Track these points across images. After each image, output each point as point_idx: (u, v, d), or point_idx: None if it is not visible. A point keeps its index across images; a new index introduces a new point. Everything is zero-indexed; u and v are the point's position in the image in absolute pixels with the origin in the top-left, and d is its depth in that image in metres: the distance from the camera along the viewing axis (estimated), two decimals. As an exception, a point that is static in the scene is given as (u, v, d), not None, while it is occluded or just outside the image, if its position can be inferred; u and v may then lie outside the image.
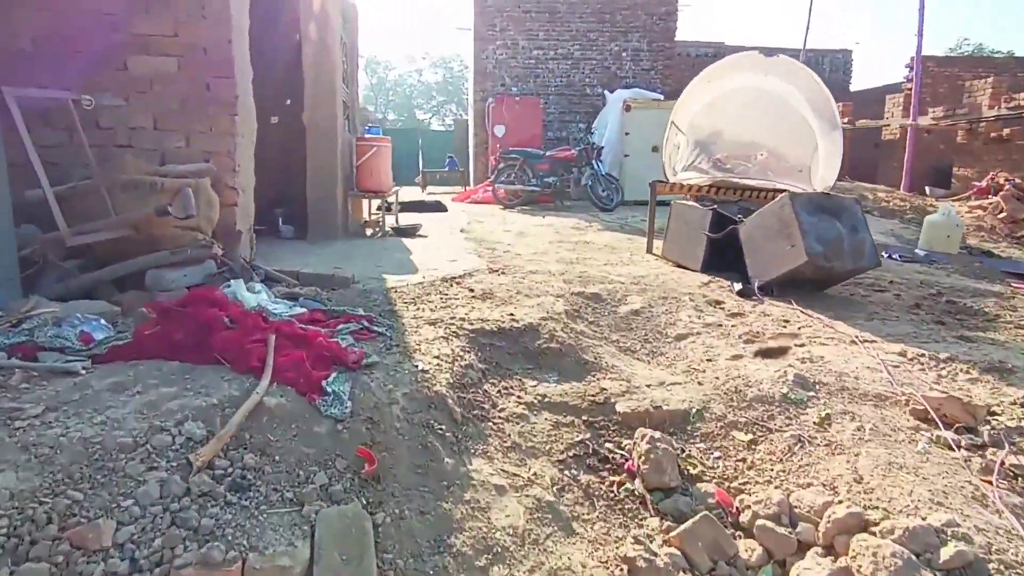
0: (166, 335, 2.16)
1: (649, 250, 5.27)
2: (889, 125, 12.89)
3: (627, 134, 10.71)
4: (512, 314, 2.98)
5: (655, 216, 5.29)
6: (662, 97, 11.61)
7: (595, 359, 2.75)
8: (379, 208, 6.24)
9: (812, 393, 2.36)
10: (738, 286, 3.88)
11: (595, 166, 9.65)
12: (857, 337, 2.94)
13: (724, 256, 4.39)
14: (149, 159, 3.24)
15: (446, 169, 17.47)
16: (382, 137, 5.92)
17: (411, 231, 6.08)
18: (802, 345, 2.86)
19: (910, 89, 12.47)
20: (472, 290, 3.48)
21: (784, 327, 3.19)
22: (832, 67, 20.41)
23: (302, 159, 5.73)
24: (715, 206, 4.37)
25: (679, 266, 4.65)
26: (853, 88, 20.04)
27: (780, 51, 18.50)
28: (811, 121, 5.50)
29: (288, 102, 6.50)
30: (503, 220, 7.92)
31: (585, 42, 13.40)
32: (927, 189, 11.42)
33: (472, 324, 2.83)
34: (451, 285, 3.63)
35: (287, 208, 6.20)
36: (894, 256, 5.77)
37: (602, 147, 10.32)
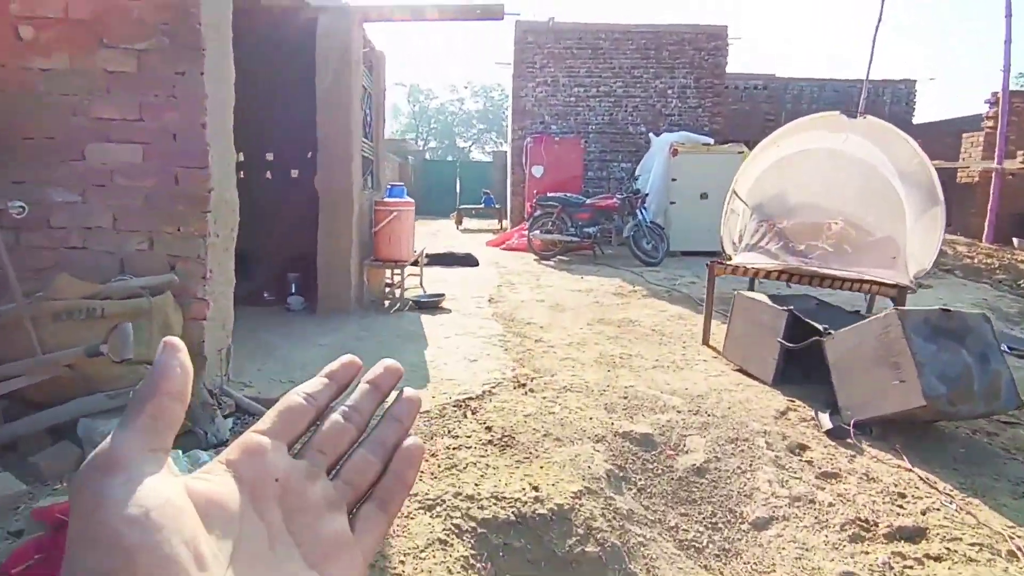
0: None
1: (705, 341, 4.49)
2: (968, 167, 11.76)
3: (674, 180, 9.99)
4: (536, 488, 2.27)
5: (712, 303, 4.52)
6: (711, 141, 10.86)
7: (648, 571, 2.01)
8: (399, 273, 5.66)
9: None
10: (826, 419, 3.08)
11: (639, 215, 8.94)
12: (1018, 545, 2.12)
13: (800, 364, 3.60)
14: (105, 265, 2.70)
15: (482, 205, 17.03)
16: (404, 200, 5.35)
17: (432, 304, 5.46)
18: (939, 559, 2.06)
19: (991, 127, 11.37)
20: (490, 428, 2.79)
21: (901, 507, 2.38)
22: (893, 99, 19.33)
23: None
24: (791, 307, 3.58)
25: (743, 372, 3.87)
26: (916, 121, 18.86)
27: (839, 83, 17.43)
28: (901, 192, 4.67)
29: (310, 155, 6.03)
30: (537, 281, 7.24)
31: (629, 79, 12.79)
32: (1015, 241, 10.24)
33: (483, 509, 2.13)
34: (464, 415, 2.95)
35: (303, 272, 5.68)
36: (1003, 348, 4.82)
37: (647, 194, 9.60)
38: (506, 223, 14.58)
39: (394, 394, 0.34)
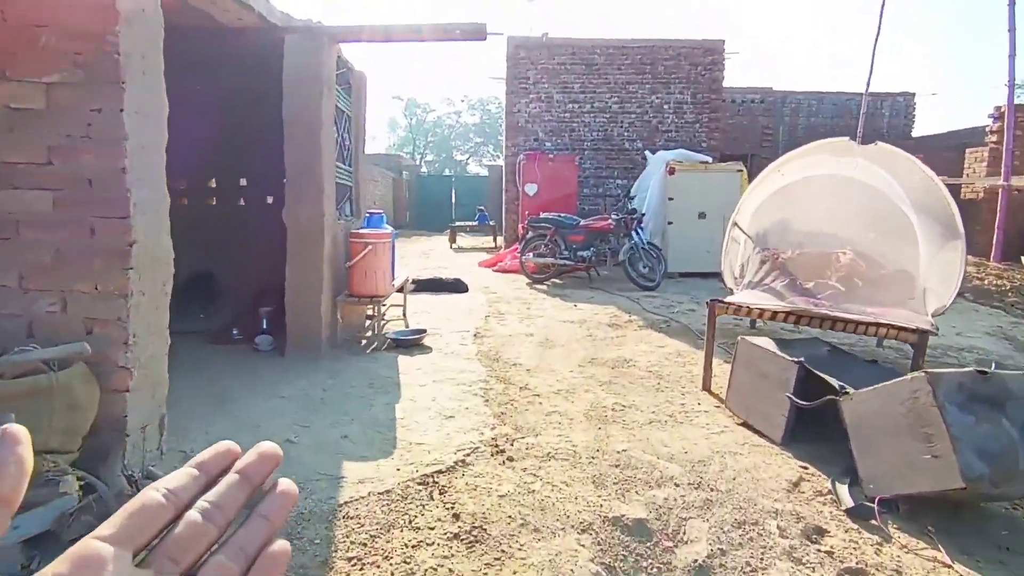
0: None
1: (706, 387, 4.11)
2: (973, 184, 11.44)
3: (671, 199, 9.66)
4: (505, 607, 1.89)
5: (713, 344, 4.14)
6: (709, 159, 10.55)
7: None
8: (376, 310, 5.29)
9: None
10: (845, 494, 2.70)
11: (635, 236, 8.58)
12: None
13: (812, 418, 3.23)
14: (10, 330, 2.33)
15: (476, 223, 16.72)
16: (381, 232, 4.98)
17: (413, 342, 5.08)
18: None
19: (995, 142, 11.07)
20: (458, 516, 2.40)
21: (943, 622, 1.99)
22: (892, 112, 19.14)
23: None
24: (801, 359, 3.21)
25: (748, 426, 3.48)
26: (916, 134, 18.65)
27: (837, 96, 17.17)
28: (914, 221, 4.32)
29: (286, 180, 5.69)
30: (528, 309, 6.88)
31: (624, 95, 12.52)
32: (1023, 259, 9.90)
33: (437, 642, 1.75)
34: (430, 496, 2.56)
35: (277, 305, 5.29)
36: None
37: (643, 214, 9.26)
38: (500, 240, 14.25)
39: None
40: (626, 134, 12.56)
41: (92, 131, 2.29)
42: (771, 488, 2.78)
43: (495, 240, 15.44)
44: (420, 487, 2.64)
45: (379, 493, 2.57)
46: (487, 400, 3.81)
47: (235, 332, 5.30)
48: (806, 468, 2.99)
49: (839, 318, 3.67)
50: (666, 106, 12.52)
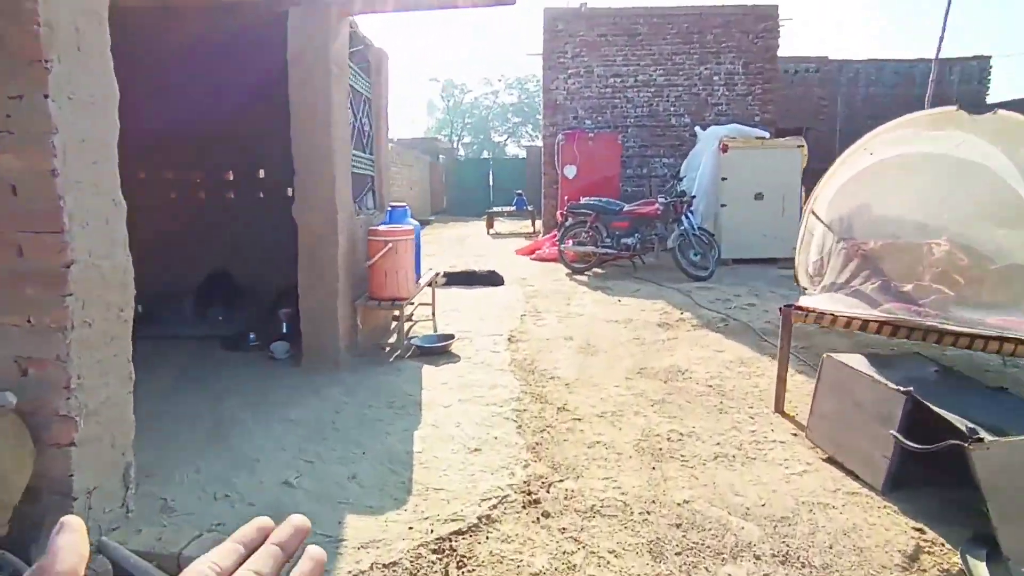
0: None
1: (779, 408, 3.48)
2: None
3: (724, 179, 8.86)
4: None
5: (788, 358, 3.49)
6: (766, 135, 9.64)
7: None
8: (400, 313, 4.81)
9: None
10: (985, 575, 2.07)
11: (685, 222, 7.86)
12: None
13: (921, 460, 2.57)
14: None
15: (513, 207, 16.15)
16: (402, 228, 4.48)
17: (440, 350, 4.59)
18: None
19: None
20: (477, 605, 1.89)
21: None
22: (963, 77, 17.60)
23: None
24: (910, 388, 2.55)
25: (836, 463, 2.85)
26: (991, 100, 17.08)
27: (899, 64, 15.67)
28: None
29: (294, 172, 5.23)
30: (567, 305, 6.31)
31: (670, 66, 11.64)
32: None
33: None
34: (445, 572, 2.06)
35: (296, 308, 4.85)
36: None
37: (693, 196, 8.51)
38: (539, 224, 13.65)
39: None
40: (673, 109, 11.71)
41: (12, 124, 1.82)
42: (881, 563, 2.16)
43: (533, 224, 14.85)
44: (434, 557, 2.13)
45: (383, 566, 2.08)
46: (520, 426, 3.28)
47: (251, 337, 4.91)
48: (922, 532, 2.35)
49: (954, 332, 2.97)
50: (716, 78, 11.59)
